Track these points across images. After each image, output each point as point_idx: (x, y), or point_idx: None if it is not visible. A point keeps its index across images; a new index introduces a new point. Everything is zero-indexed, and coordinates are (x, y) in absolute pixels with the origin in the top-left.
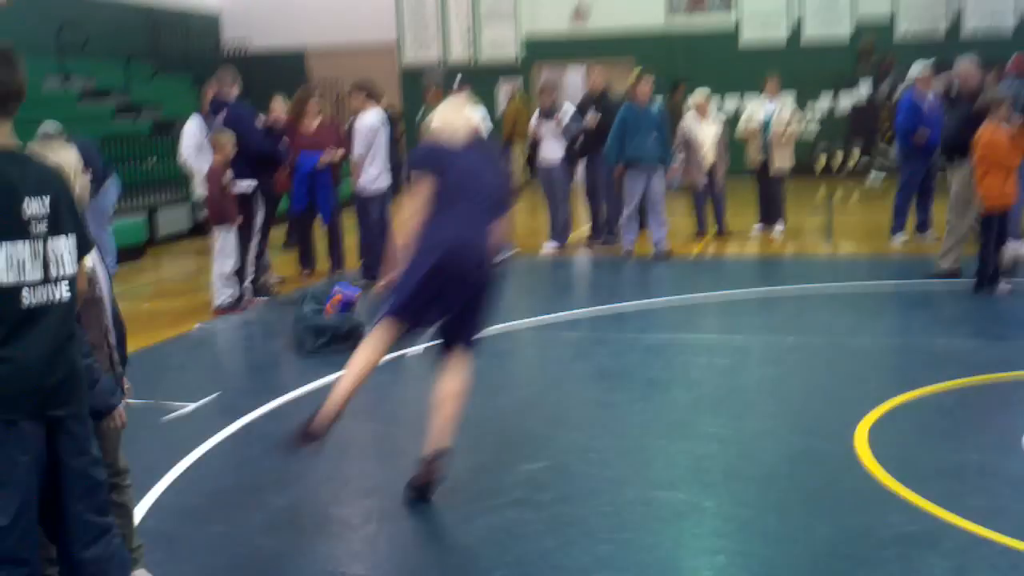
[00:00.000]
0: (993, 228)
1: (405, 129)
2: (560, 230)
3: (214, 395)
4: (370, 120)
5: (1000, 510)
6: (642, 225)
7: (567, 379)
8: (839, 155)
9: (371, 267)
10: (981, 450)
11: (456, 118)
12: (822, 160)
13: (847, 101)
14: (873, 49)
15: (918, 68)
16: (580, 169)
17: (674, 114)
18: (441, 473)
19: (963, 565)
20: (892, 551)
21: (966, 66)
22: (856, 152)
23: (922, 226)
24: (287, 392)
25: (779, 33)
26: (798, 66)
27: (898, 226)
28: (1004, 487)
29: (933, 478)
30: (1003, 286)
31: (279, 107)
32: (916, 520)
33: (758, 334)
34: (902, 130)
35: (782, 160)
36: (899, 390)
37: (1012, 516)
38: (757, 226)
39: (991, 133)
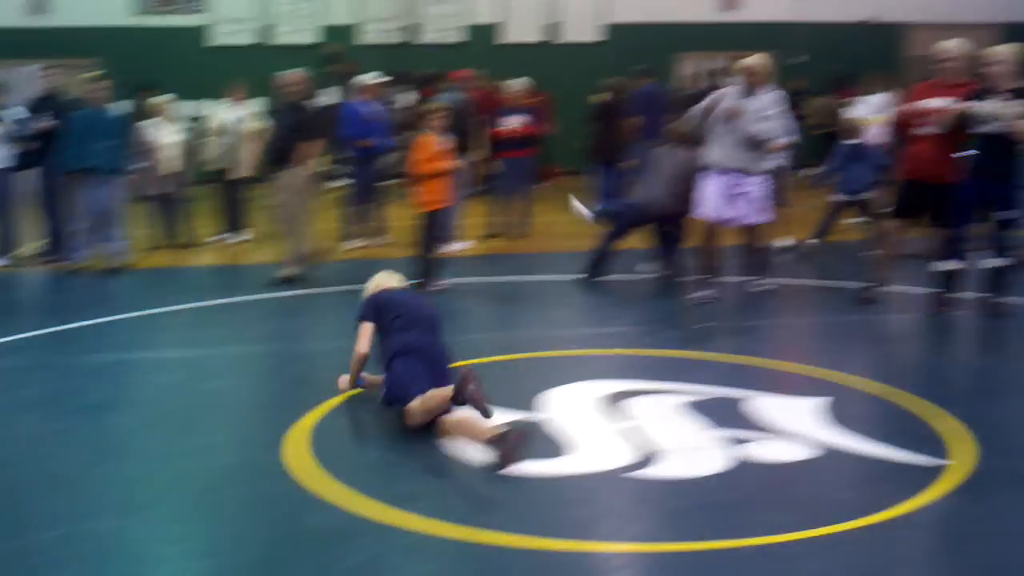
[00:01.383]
0: (428, 230)
1: None
2: (2, 244)
3: None
4: None
5: (414, 495)
6: (99, 237)
7: None
8: None
9: None
10: (403, 442)
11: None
12: None
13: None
14: (340, 55)
15: (369, 76)
16: (30, 177)
17: (138, 119)
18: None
19: (377, 553)
20: (312, 549)
21: (291, 76)
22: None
23: (375, 231)
24: None
25: (249, 37)
26: (268, 71)
27: (350, 232)
28: (420, 473)
29: (359, 472)
30: (442, 283)
31: None
32: (338, 517)
33: (212, 347)
34: (345, 138)
35: (247, 167)
36: (337, 391)
37: (423, 498)
38: (222, 235)
39: (427, 140)
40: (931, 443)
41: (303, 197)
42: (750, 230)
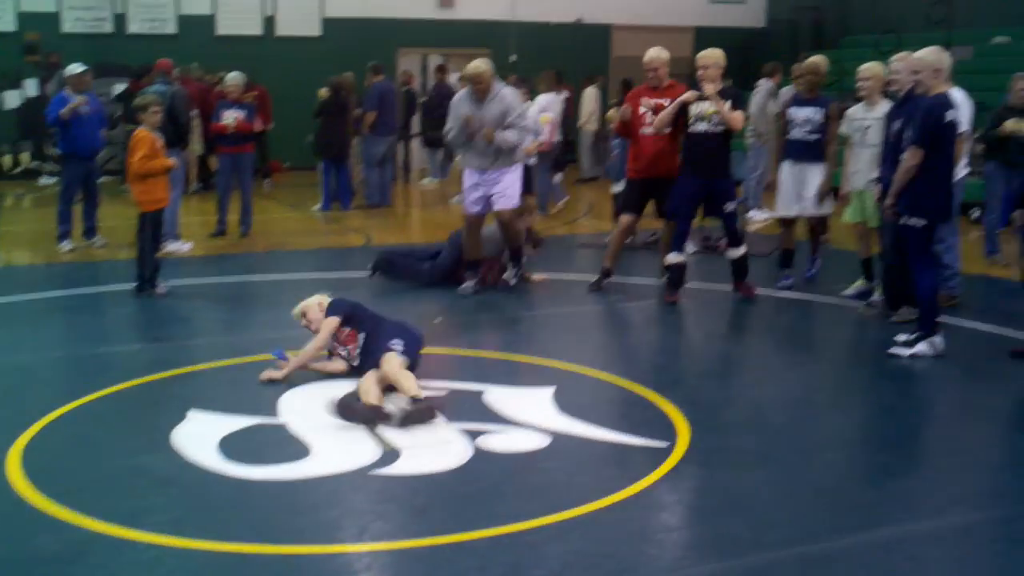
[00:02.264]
0: (147, 230)
1: None
2: None
3: None
4: None
5: (147, 509)
6: None
7: None
8: (7, 157)
9: None
10: (133, 453)
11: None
12: None
13: (14, 99)
14: (39, 45)
15: (74, 67)
16: None
17: None
18: None
19: (112, 572)
20: (39, 572)
21: None
22: (26, 154)
23: (89, 232)
24: None
25: None
26: None
27: (64, 233)
28: (152, 485)
29: (85, 489)
30: (161, 288)
31: None
32: (66, 536)
33: None
34: (52, 129)
35: None
36: (56, 404)
37: (157, 512)
38: None
39: (144, 136)
40: (652, 426)
41: None
42: (502, 220)
